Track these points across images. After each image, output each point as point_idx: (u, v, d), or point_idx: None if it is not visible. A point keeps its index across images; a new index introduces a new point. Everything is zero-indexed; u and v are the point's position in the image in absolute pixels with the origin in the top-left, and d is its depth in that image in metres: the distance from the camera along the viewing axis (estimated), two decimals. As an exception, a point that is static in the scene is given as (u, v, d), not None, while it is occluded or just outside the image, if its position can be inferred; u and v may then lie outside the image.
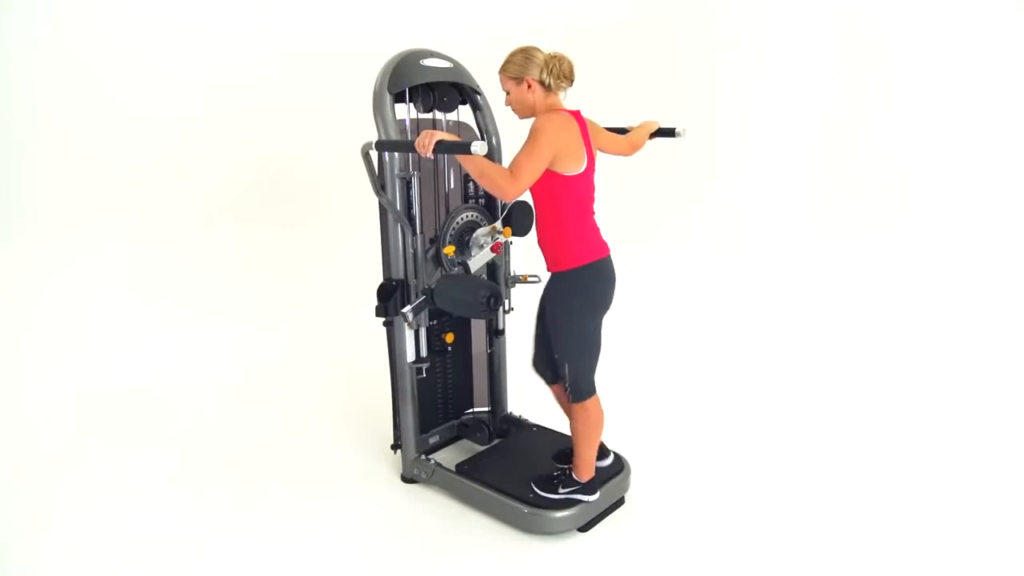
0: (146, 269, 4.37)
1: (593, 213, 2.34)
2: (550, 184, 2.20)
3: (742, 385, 3.74)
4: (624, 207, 5.11)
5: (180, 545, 2.44)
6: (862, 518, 2.53)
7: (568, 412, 2.54)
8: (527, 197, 2.31)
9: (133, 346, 4.10)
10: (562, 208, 2.23)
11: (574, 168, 2.20)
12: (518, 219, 2.59)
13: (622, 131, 2.68)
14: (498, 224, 2.64)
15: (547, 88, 2.24)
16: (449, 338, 2.80)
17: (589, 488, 2.43)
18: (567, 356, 2.34)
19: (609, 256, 2.33)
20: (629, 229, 5.12)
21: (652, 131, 2.70)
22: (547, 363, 2.53)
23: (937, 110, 4.62)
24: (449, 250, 2.60)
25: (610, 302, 2.36)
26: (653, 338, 4.43)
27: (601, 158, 2.60)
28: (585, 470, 2.43)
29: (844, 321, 4.50)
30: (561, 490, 2.44)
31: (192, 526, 2.55)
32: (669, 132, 2.72)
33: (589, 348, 2.35)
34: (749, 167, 5.22)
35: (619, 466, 2.62)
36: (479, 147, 1.96)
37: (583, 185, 2.26)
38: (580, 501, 2.41)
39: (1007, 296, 4.35)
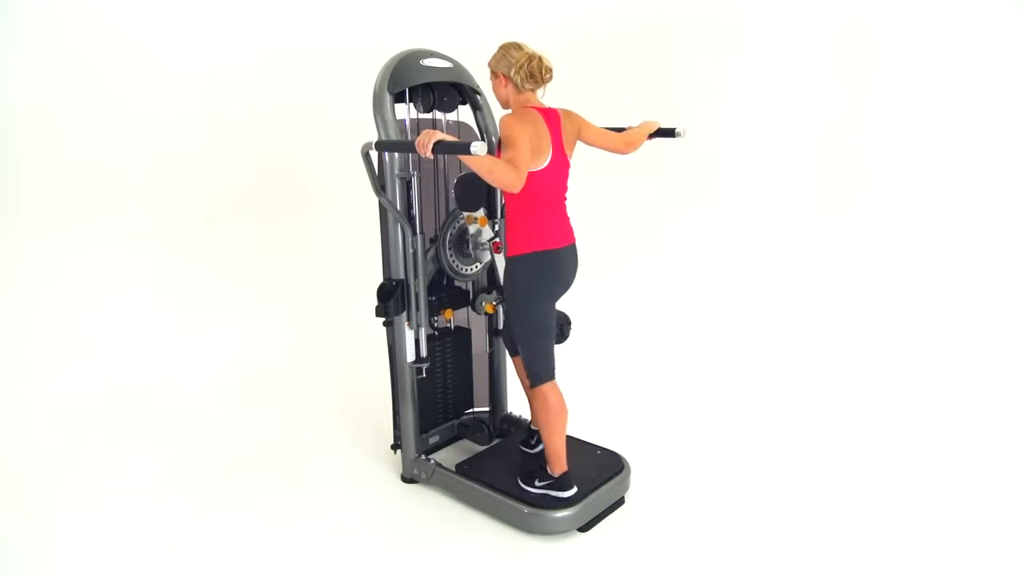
0: (146, 269, 4.37)
1: (559, 206, 2.39)
2: None
3: (742, 384, 3.74)
4: (624, 206, 5.13)
5: (180, 545, 2.44)
6: (862, 517, 2.53)
7: (521, 379, 2.70)
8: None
9: (133, 346, 4.10)
10: (522, 200, 2.28)
11: (535, 164, 2.24)
12: (462, 193, 2.53)
13: (620, 131, 2.68)
14: (474, 214, 2.65)
15: (517, 86, 2.30)
16: (448, 314, 2.80)
17: (563, 483, 2.42)
18: (523, 341, 2.40)
19: (568, 247, 2.37)
20: (629, 228, 5.14)
21: (652, 131, 2.70)
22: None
23: (937, 110, 4.62)
24: (482, 220, 2.65)
25: (561, 290, 2.41)
26: (653, 337, 4.43)
27: (602, 156, 2.60)
28: (556, 464, 2.43)
29: (844, 320, 4.50)
30: (537, 483, 2.45)
31: (192, 526, 2.55)
32: (669, 132, 2.72)
33: (543, 333, 2.39)
34: (749, 167, 5.22)
35: (619, 466, 2.62)
36: (479, 147, 1.96)
37: (545, 180, 2.29)
38: (555, 497, 2.40)
39: (1007, 295, 4.34)
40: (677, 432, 3.21)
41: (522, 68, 2.26)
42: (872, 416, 3.35)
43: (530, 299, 2.34)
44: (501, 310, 2.90)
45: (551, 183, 2.32)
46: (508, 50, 2.31)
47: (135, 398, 3.67)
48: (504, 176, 2.08)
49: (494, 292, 2.82)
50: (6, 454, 3.10)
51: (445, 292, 2.77)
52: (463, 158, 2.08)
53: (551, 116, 2.32)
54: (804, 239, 5.06)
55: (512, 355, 2.76)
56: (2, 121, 4.01)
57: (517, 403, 3.08)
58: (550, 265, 2.33)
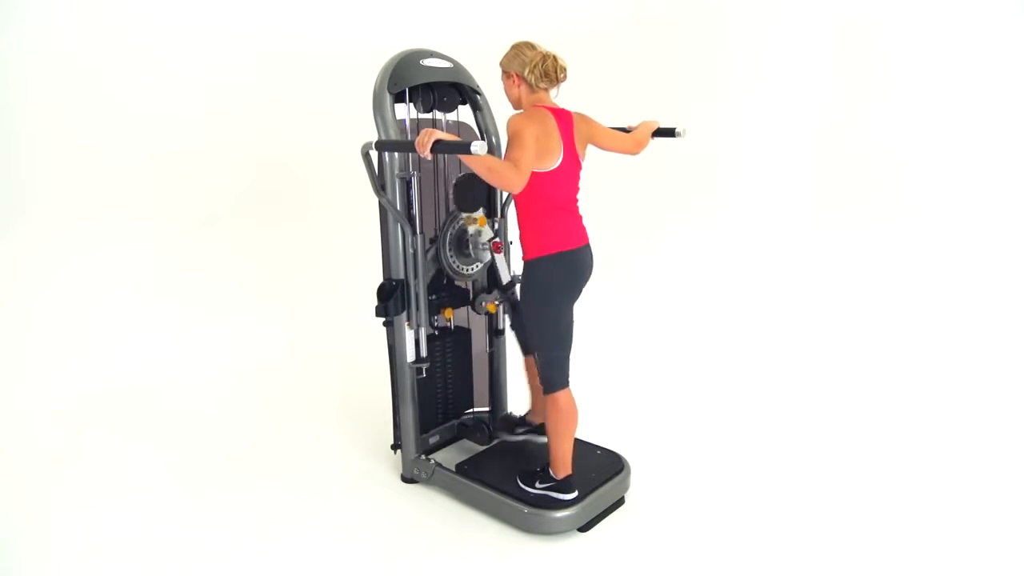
0: (146, 269, 4.37)
1: (572, 207, 2.36)
2: None
3: (742, 384, 3.74)
4: (624, 207, 5.12)
5: (180, 545, 2.44)
6: (862, 517, 2.53)
7: (528, 378, 2.79)
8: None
9: (133, 346, 4.10)
10: (534, 202, 2.26)
11: (545, 165, 2.22)
12: (460, 194, 2.54)
13: (622, 131, 2.68)
14: (473, 214, 2.65)
15: (531, 86, 2.27)
16: (448, 313, 2.79)
17: (565, 486, 2.43)
18: (540, 347, 2.38)
19: (583, 247, 2.35)
20: (629, 229, 5.13)
21: (652, 130, 2.70)
22: (523, 335, 2.72)
23: (937, 110, 4.62)
24: (482, 220, 2.65)
25: (579, 292, 2.39)
26: (653, 337, 4.43)
27: (601, 157, 2.60)
28: (560, 467, 2.43)
29: (843, 320, 4.50)
30: (538, 485, 2.45)
31: (192, 526, 2.55)
32: (669, 132, 2.72)
33: (560, 339, 2.37)
34: (749, 167, 5.22)
35: (619, 466, 2.62)
36: (479, 147, 1.96)
37: (557, 180, 2.27)
38: (555, 499, 2.40)
39: (1007, 296, 4.34)
40: (677, 432, 3.21)
41: (536, 67, 2.24)
42: (872, 416, 3.35)
43: (549, 302, 2.32)
44: (502, 310, 2.90)
45: (563, 184, 2.29)
46: (521, 49, 2.27)
47: (135, 398, 3.67)
48: (504, 176, 2.07)
49: (494, 292, 2.82)
50: (6, 454, 3.10)
51: (445, 291, 2.77)
52: (463, 157, 2.08)
53: (563, 116, 2.29)
54: (803, 239, 5.06)
55: (525, 354, 2.76)
56: (2, 120, 4.01)
57: (517, 403, 3.08)
58: (568, 267, 2.31)
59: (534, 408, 2.85)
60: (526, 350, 2.75)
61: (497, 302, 2.80)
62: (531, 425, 2.84)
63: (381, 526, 2.54)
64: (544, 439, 2.74)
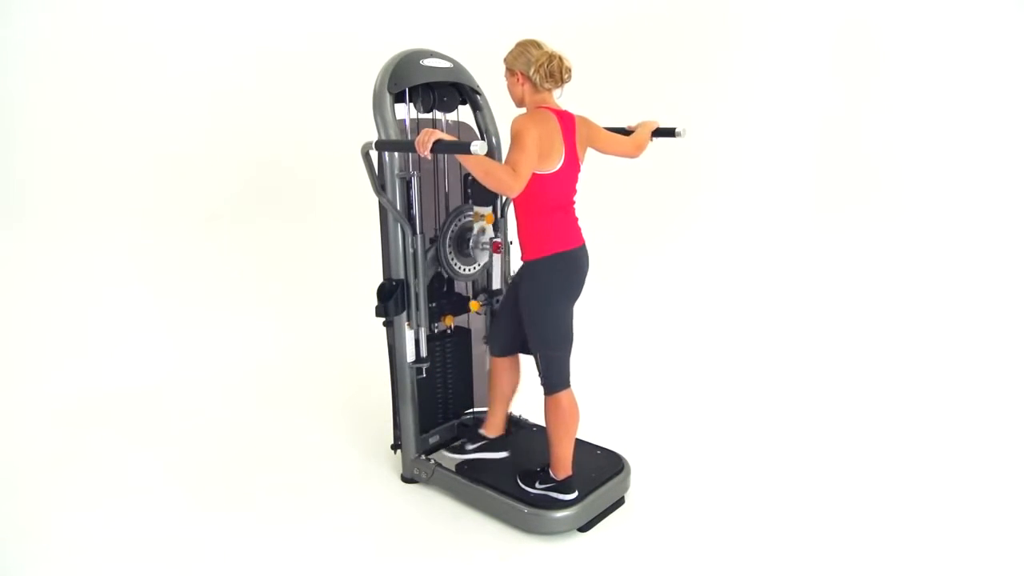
0: (146, 269, 4.37)
1: (571, 208, 2.37)
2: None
3: (742, 384, 3.74)
4: (624, 207, 5.12)
5: (180, 545, 2.44)
6: (862, 517, 2.53)
7: (493, 382, 2.69)
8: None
9: (133, 346, 4.10)
10: (533, 203, 2.26)
11: (547, 167, 2.22)
12: (477, 185, 2.50)
13: (622, 131, 2.68)
14: (481, 209, 2.64)
15: (535, 85, 2.26)
16: (448, 320, 2.79)
17: (566, 487, 2.42)
18: (539, 348, 2.37)
19: (581, 247, 2.35)
20: (629, 229, 5.14)
21: (652, 131, 2.70)
22: (501, 337, 2.61)
23: (937, 110, 4.61)
24: (489, 219, 2.62)
25: (578, 292, 2.39)
26: (653, 337, 4.43)
27: (604, 157, 2.60)
28: (560, 467, 2.43)
29: (843, 320, 4.49)
30: (538, 485, 2.45)
31: (192, 526, 2.55)
32: (669, 132, 2.72)
33: (561, 339, 2.36)
34: (749, 167, 5.22)
35: (619, 466, 2.62)
36: (479, 147, 1.96)
37: (558, 182, 2.27)
38: (555, 499, 2.40)
39: (1007, 295, 4.34)
40: (677, 432, 3.21)
41: (542, 67, 2.22)
42: (872, 416, 3.35)
43: (549, 302, 2.31)
44: (488, 312, 2.89)
45: (562, 186, 2.29)
46: (527, 47, 2.26)
47: (135, 398, 3.67)
48: (501, 180, 2.07)
49: (481, 295, 2.82)
50: (6, 454, 3.10)
51: (446, 299, 2.78)
52: (461, 158, 2.08)
53: (566, 118, 2.29)
54: (803, 240, 5.06)
55: (492, 355, 2.67)
56: (2, 120, 4.01)
57: (517, 403, 3.08)
58: (568, 267, 2.31)
59: (490, 421, 2.75)
60: (498, 352, 2.64)
61: (482, 303, 2.79)
62: (485, 440, 2.73)
63: (381, 526, 2.54)
64: (498, 455, 2.70)
